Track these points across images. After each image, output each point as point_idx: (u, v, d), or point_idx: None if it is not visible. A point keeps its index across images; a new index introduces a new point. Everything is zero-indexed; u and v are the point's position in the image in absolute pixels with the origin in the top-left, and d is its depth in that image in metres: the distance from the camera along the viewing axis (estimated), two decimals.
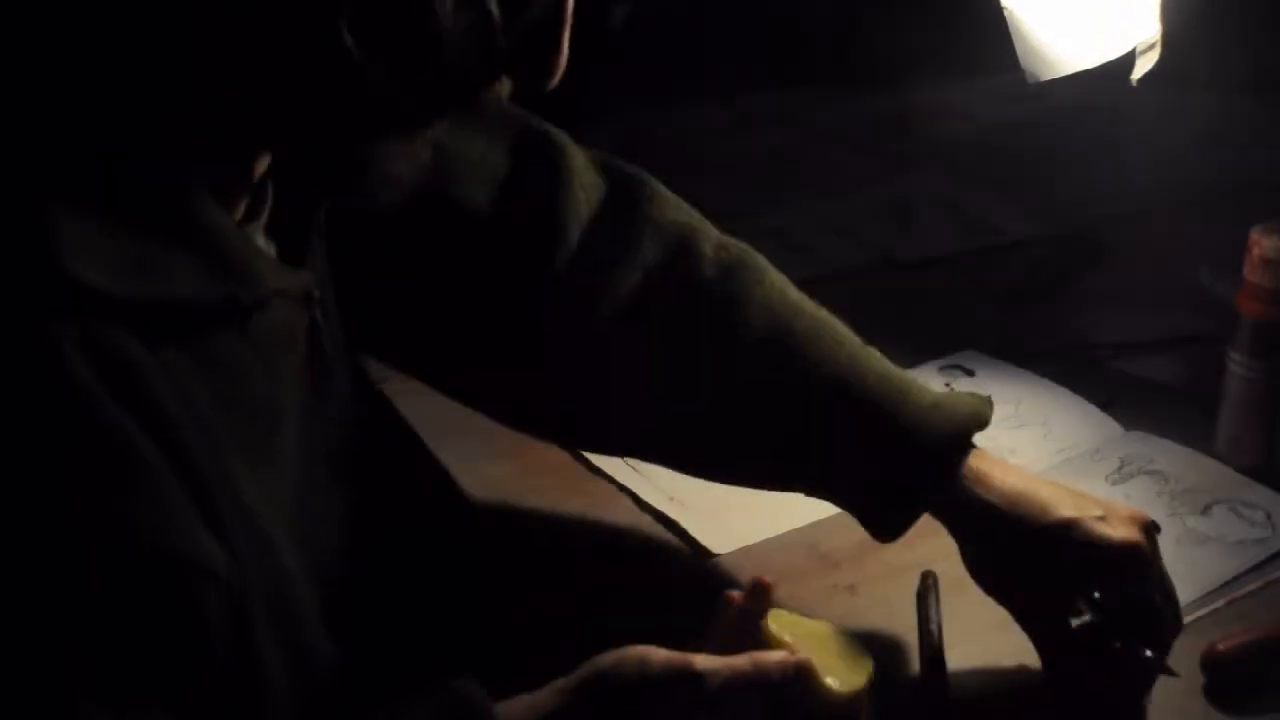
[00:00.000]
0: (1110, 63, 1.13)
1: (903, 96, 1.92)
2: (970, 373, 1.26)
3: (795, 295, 1.02)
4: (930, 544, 1.05)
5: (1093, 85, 1.20)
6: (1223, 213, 1.33)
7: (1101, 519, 0.91)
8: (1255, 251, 1.07)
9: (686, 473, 1.02)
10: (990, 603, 0.98)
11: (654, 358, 0.97)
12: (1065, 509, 0.92)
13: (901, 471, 0.95)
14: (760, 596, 0.82)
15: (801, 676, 0.80)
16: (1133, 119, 1.71)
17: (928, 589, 0.98)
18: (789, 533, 1.06)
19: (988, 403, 0.98)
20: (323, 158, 0.76)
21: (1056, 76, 1.12)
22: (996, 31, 1.12)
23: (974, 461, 0.95)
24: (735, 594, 0.83)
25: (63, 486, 0.65)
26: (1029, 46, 1.11)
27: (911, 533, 1.05)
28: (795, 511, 1.07)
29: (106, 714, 0.65)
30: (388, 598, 0.92)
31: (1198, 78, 1.73)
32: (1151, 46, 1.13)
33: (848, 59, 2.01)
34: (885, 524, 0.96)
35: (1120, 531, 0.91)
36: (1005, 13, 1.11)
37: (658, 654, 0.80)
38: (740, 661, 0.79)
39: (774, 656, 0.80)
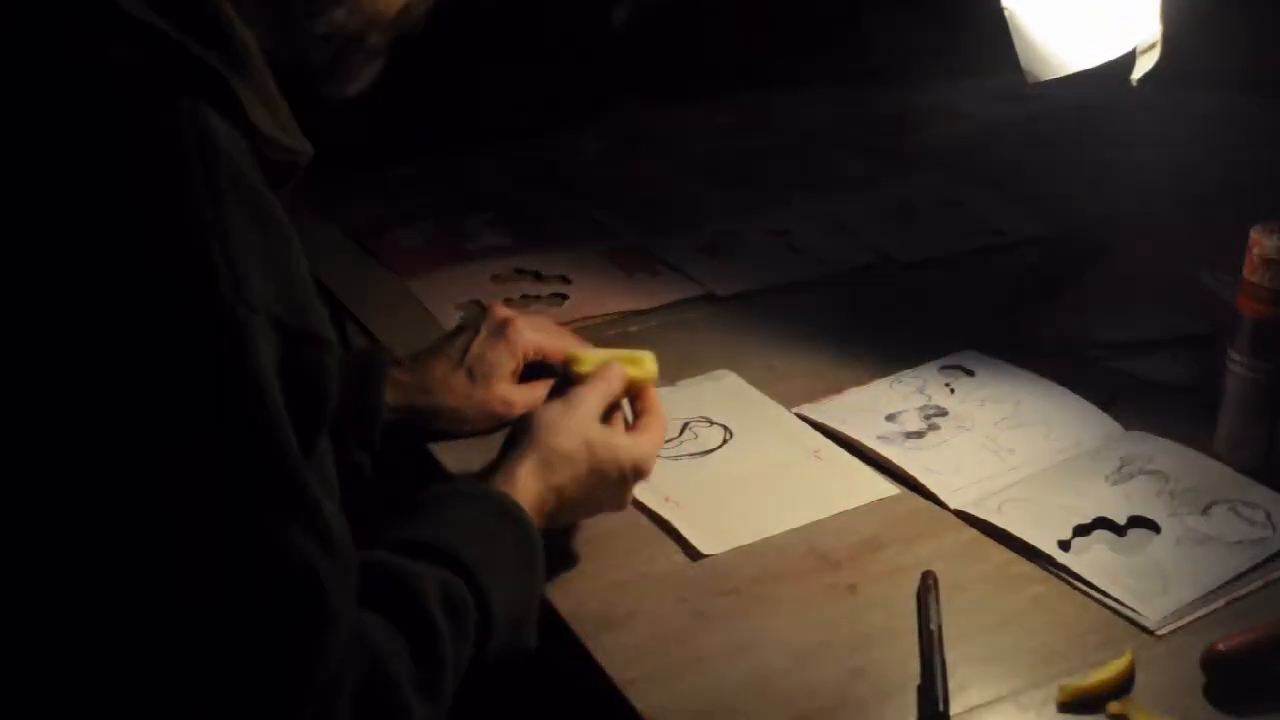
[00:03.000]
0: (1110, 63, 1.13)
1: (903, 96, 1.93)
2: (970, 373, 1.26)
3: None
4: (930, 544, 1.05)
5: (1093, 85, 1.20)
6: (1223, 213, 1.33)
7: None
8: (1255, 251, 1.07)
9: None
10: (990, 603, 0.98)
11: None
12: None
13: None
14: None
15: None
16: (1133, 119, 1.71)
17: (928, 589, 0.98)
18: (788, 532, 1.06)
19: None
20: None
21: (1056, 76, 1.12)
22: (996, 31, 1.12)
23: None
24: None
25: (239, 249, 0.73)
26: (1029, 46, 1.11)
27: (911, 532, 1.06)
28: (795, 511, 1.07)
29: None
30: None
31: (1198, 78, 1.73)
32: (1151, 46, 1.13)
33: (848, 59, 2.02)
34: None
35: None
36: (1005, 13, 1.11)
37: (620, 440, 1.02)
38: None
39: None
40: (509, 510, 0.95)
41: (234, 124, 0.76)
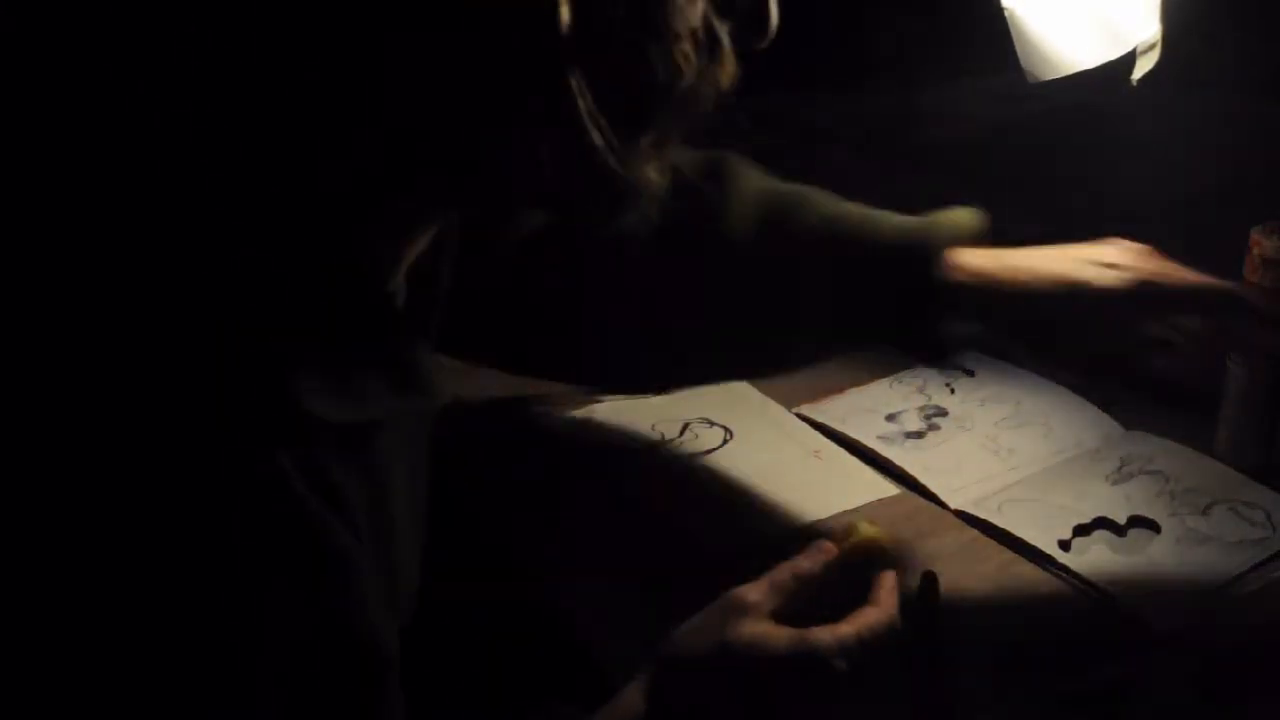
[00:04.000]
0: (1110, 63, 1.13)
1: (903, 96, 1.92)
2: (970, 373, 1.26)
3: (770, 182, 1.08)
4: (930, 544, 1.05)
5: (1093, 85, 1.20)
6: (1223, 213, 1.33)
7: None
8: (1255, 251, 1.07)
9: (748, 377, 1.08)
10: (990, 603, 0.98)
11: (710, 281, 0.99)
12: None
13: (883, 279, 1.00)
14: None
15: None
16: (1133, 119, 1.71)
17: (928, 589, 0.98)
18: (789, 532, 1.06)
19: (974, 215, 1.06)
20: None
21: (1056, 76, 1.12)
22: (996, 31, 1.12)
23: (961, 255, 1.02)
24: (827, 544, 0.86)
25: (296, 602, 0.64)
26: (1029, 46, 1.11)
27: (911, 533, 1.06)
28: (796, 511, 1.08)
29: None
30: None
31: (1198, 78, 1.73)
32: (1151, 47, 1.13)
33: (848, 59, 2.01)
34: (915, 342, 1.01)
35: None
36: (1005, 13, 1.11)
37: (776, 634, 0.81)
38: (853, 628, 0.81)
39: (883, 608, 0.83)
40: None
41: None
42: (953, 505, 1.08)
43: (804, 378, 1.26)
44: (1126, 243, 1.02)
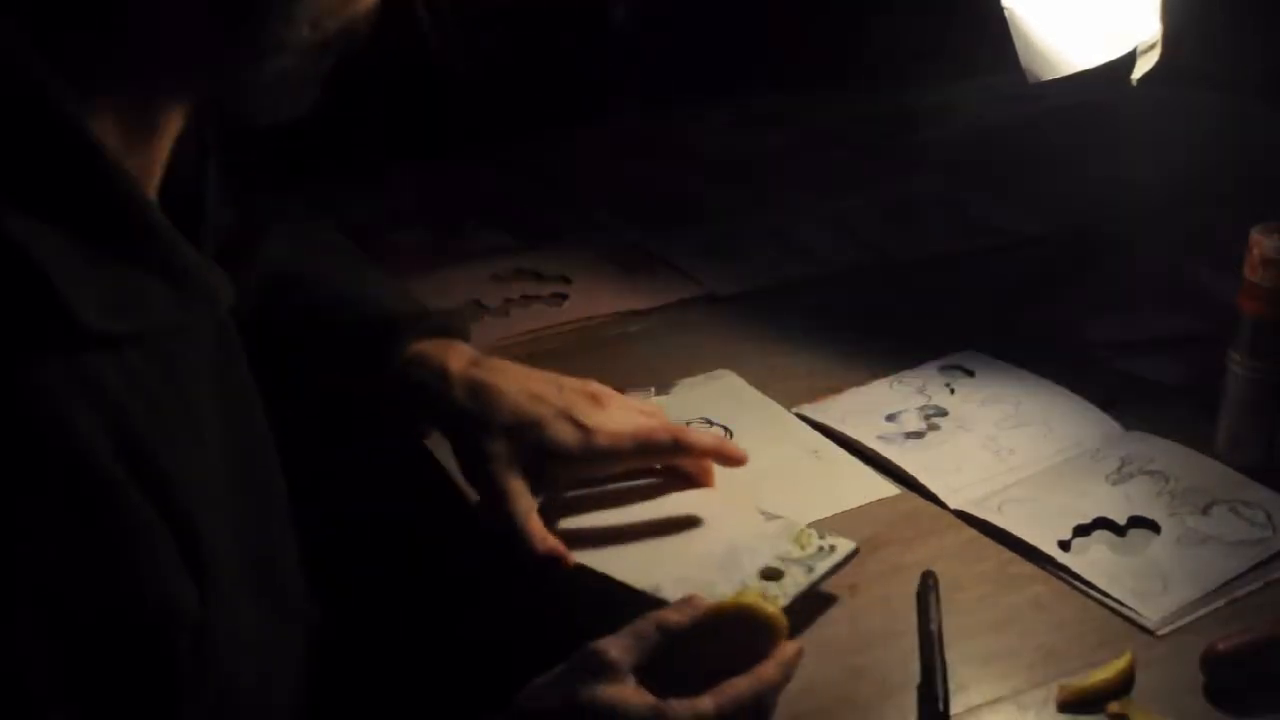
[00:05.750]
0: (1110, 63, 1.13)
1: (903, 96, 1.93)
2: (970, 373, 1.26)
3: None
4: (930, 544, 1.05)
5: (1093, 85, 1.20)
6: (1223, 213, 1.33)
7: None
8: (1255, 251, 1.07)
9: None
10: (990, 603, 0.98)
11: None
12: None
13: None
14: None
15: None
16: (1133, 119, 1.71)
17: (928, 589, 0.98)
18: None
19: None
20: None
21: (1056, 76, 1.12)
22: (996, 31, 1.12)
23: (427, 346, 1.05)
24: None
25: (54, 537, 0.64)
26: (1029, 46, 1.11)
27: (911, 532, 1.06)
28: (797, 511, 1.07)
29: None
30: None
31: (1198, 78, 1.73)
32: (1151, 46, 1.13)
33: (848, 60, 2.02)
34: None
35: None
36: (1005, 13, 1.11)
37: (632, 700, 0.80)
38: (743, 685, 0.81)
39: (773, 667, 0.83)
40: None
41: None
42: (953, 505, 1.08)
43: (804, 377, 1.26)
44: (595, 385, 1.06)
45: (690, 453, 1.05)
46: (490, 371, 1.05)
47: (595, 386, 1.06)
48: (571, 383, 1.06)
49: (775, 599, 0.92)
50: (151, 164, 0.75)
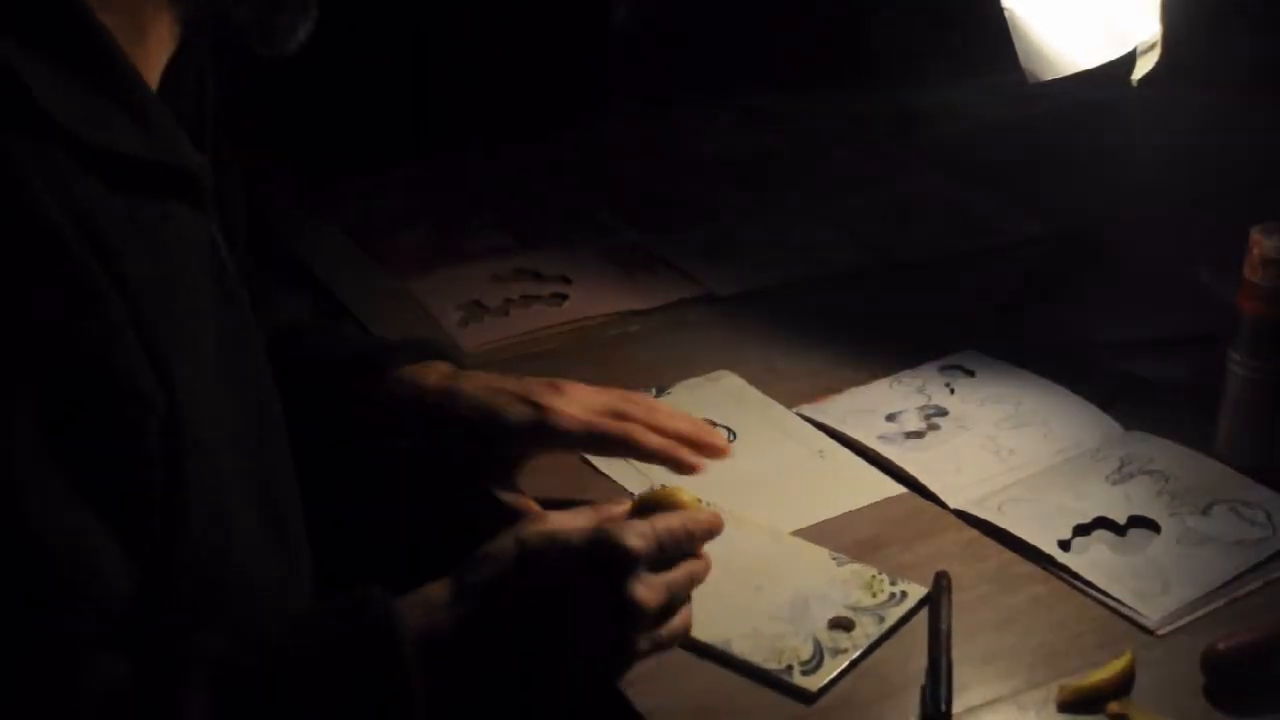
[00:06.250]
0: (1110, 63, 1.13)
1: (903, 96, 1.92)
2: (970, 373, 1.26)
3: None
4: (931, 544, 1.05)
5: (1093, 85, 1.20)
6: (1223, 213, 1.33)
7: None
8: (1255, 251, 1.07)
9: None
10: (990, 603, 0.98)
11: None
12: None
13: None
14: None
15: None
16: (1133, 119, 1.71)
17: (941, 590, 0.98)
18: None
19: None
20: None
21: (1056, 76, 1.12)
22: (996, 31, 1.12)
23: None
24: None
25: (12, 289, 0.69)
26: (1029, 46, 1.11)
27: (912, 532, 1.06)
28: (802, 512, 1.07)
29: (49, 509, 0.70)
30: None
31: (1198, 78, 1.73)
32: (1151, 46, 1.13)
33: (848, 60, 2.02)
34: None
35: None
36: (1005, 13, 1.11)
37: (571, 524, 0.89)
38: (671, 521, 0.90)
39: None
40: (370, 638, 0.82)
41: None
42: (953, 505, 1.08)
43: (804, 377, 1.26)
44: (562, 380, 1.08)
45: (640, 450, 1.06)
46: (462, 379, 1.09)
47: (561, 380, 1.08)
48: (537, 378, 1.09)
49: (846, 652, 0.92)
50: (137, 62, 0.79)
